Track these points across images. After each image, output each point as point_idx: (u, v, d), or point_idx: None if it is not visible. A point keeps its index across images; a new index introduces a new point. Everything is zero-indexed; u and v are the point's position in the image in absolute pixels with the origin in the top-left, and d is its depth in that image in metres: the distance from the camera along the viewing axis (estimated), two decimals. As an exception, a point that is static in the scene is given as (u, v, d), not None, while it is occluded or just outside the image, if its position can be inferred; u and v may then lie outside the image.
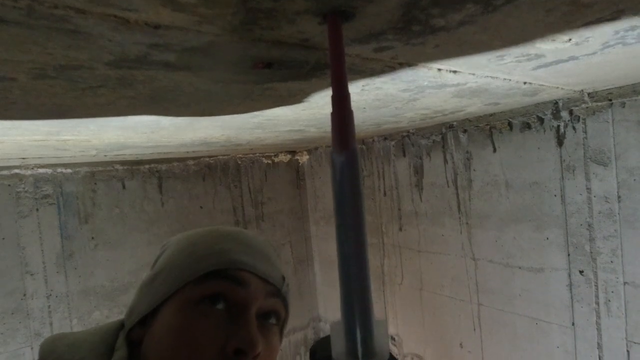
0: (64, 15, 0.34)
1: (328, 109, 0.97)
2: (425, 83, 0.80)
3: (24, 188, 1.66)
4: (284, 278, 0.54)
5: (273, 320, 0.51)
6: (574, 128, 1.26)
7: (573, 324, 1.32)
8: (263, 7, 0.37)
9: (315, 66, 0.59)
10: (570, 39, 0.60)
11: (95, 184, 1.82)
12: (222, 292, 0.47)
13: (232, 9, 0.37)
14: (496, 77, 0.84)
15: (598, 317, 1.26)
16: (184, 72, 0.56)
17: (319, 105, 0.92)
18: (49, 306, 1.69)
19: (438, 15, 0.44)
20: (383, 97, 0.89)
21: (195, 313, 0.46)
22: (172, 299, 0.48)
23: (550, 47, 0.63)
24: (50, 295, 1.70)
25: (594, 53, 0.69)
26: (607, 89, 1.16)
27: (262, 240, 0.56)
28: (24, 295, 1.64)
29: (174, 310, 0.47)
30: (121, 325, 0.52)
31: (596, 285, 1.25)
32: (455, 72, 0.75)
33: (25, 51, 0.42)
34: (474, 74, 0.78)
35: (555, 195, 1.33)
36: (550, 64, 0.75)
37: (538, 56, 0.68)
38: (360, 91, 0.80)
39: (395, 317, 2.01)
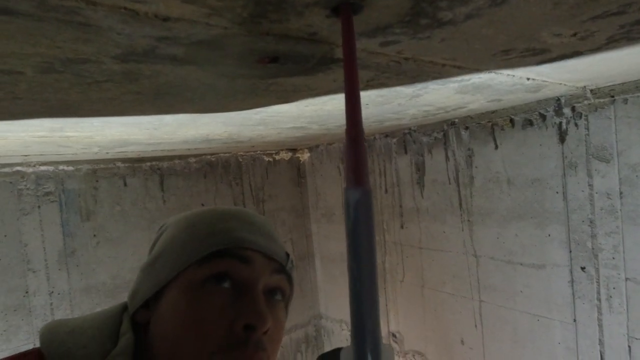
0: (74, 7, 0.34)
1: (331, 105, 0.98)
2: (430, 78, 0.80)
3: (25, 185, 1.66)
4: (287, 255, 0.54)
5: (279, 297, 0.52)
6: (576, 125, 1.26)
7: (574, 320, 1.32)
8: (273, -1, 0.37)
9: (321, 61, 0.59)
10: (575, 33, 0.60)
11: (97, 181, 1.82)
12: (228, 270, 0.47)
13: (242, 1, 0.37)
14: (500, 73, 0.84)
15: (599, 313, 1.26)
16: (190, 66, 0.56)
17: (322, 101, 0.92)
18: (51, 303, 1.70)
19: (446, 8, 0.44)
20: (386, 92, 0.90)
21: (202, 293, 0.46)
22: (176, 280, 0.48)
23: (556, 41, 0.63)
24: (53, 292, 1.70)
25: (598, 48, 0.69)
26: (609, 86, 1.16)
27: (262, 217, 0.56)
28: (26, 292, 1.65)
29: (180, 291, 0.47)
30: (123, 308, 0.52)
31: (598, 282, 1.26)
32: (459, 67, 0.75)
33: (34, 44, 0.42)
34: (478, 69, 0.79)
35: (557, 192, 1.33)
36: (555, 59, 0.75)
37: (543, 51, 0.68)
38: (364, 87, 0.80)
39: (396, 314, 2.01)
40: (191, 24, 0.41)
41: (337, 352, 0.64)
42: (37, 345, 0.46)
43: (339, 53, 0.56)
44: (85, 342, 0.45)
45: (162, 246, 0.52)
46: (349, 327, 2.35)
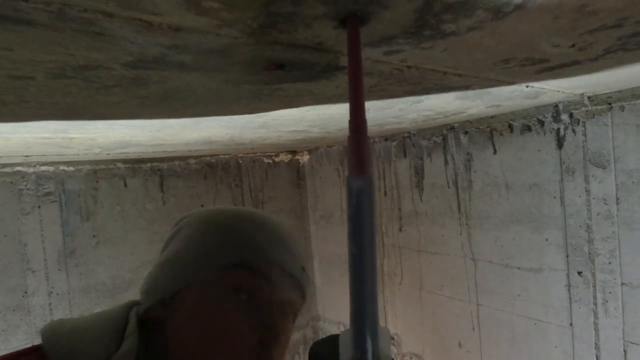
0: (91, 19, 0.35)
1: (333, 109, 0.99)
2: (431, 85, 0.81)
3: (26, 185, 1.67)
4: (303, 269, 0.55)
5: (289, 310, 0.53)
6: (573, 131, 1.28)
7: (571, 324, 1.34)
8: (283, 11, 0.38)
9: (326, 68, 0.61)
10: (574, 44, 0.61)
11: (97, 182, 1.83)
12: (250, 286, 0.48)
13: (253, 13, 0.38)
14: (500, 80, 0.85)
15: (596, 317, 1.28)
16: (197, 72, 0.57)
17: (324, 106, 0.93)
18: (50, 303, 1.70)
19: (449, 20, 0.46)
20: (388, 98, 0.91)
21: (222, 304, 0.47)
22: (200, 282, 0.48)
23: (555, 52, 0.64)
24: (52, 292, 1.70)
25: (596, 58, 0.71)
26: (606, 93, 1.18)
27: (286, 228, 0.57)
28: (26, 292, 1.65)
29: (201, 298, 0.48)
30: (128, 308, 0.51)
31: (594, 286, 1.27)
32: (460, 75, 0.76)
33: (48, 52, 0.43)
34: (478, 77, 0.80)
35: (554, 197, 1.34)
36: (553, 68, 0.76)
37: (542, 60, 0.69)
38: (366, 93, 0.81)
39: (394, 317, 2.02)
40: (202, 34, 0.42)
41: (331, 339, 0.66)
42: (36, 344, 0.46)
43: (343, 61, 0.58)
44: (88, 343, 0.45)
45: (186, 242, 0.51)
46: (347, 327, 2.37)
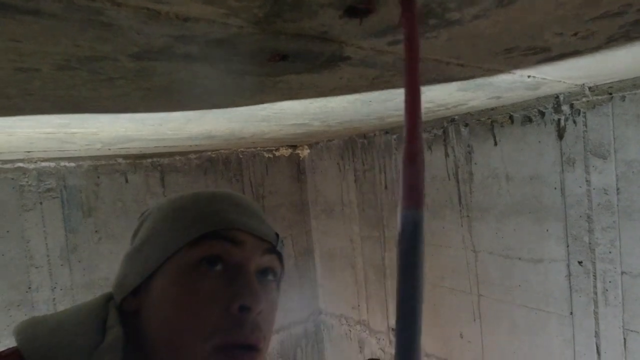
0: (99, 8, 0.36)
1: (335, 102, 0.99)
2: (433, 76, 0.81)
3: (27, 182, 1.67)
4: (277, 234, 0.54)
5: (270, 277, 0.52)
6: (574, 121, 1.28)
7: (571, 313, 1.35)
8: None
9: (330, 58, 0.61)
10: (576, 33, 0.61)
11: (99, 177, 1.83)
12: (220, 253, 0.47)
13: (260, 1, 0.38)
14: (501, 71, 0.85)
15: (596, 306, 1.29)
16: (202, 63, 0.57)
17: (326, 99, 0.94)
18: (54, 299, 1.71)
19: (454, 9, 0.46)
20: (390, 89, 0.91)
21: (194, 277, 0.46)
22: (167, 264, 0.47)
23: (557, 40, 0.65)
24: (55, 287, 1.71)
25: (598, 47, 0.71)
26: (607, 83, 1.18)
27: (248, 199, 0.56)
28: (29, 287, 1.66)
29: (171, 276, 0.46)
30: (107, 299, 0.50)
31: (594, 276, 1.28)
32: (462, 65, 0.76)
33: (55, 43, 0.43)
34: (480, 67, 0.80)
35: (555, 188, 1.35)
36: (555, 57, 0.77)
37: (544, 50, 0.70)
38: (369, 84, 0.82)
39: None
40: (209, 23, 0.42)
41: None
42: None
43: (348, 51, 0.58)
44: (69, 339, 0.43)
45: (148, 231, 0.50)
46: (348, 322, 2.37)
